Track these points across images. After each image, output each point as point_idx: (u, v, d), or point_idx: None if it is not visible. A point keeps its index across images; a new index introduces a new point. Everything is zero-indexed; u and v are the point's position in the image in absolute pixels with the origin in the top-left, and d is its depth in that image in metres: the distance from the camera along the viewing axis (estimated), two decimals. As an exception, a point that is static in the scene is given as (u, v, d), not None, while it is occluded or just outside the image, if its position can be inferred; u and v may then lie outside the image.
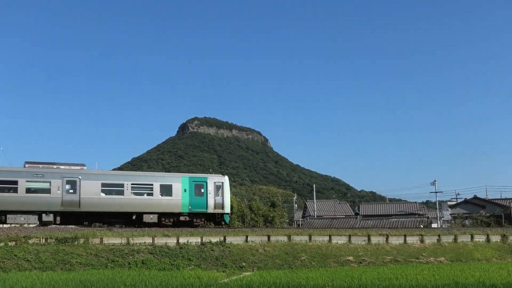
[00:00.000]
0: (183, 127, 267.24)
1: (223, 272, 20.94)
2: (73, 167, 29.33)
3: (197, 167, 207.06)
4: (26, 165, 28.67)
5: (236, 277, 18.42)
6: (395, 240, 28.39)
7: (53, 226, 27.43)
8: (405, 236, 28.83)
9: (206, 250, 23.78)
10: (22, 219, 27.43)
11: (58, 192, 27.90)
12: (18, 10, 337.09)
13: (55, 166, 28.98)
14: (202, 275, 18.53)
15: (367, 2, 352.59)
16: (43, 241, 22.40)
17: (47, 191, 27.79)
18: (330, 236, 27.28)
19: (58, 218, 28.26)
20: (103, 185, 29.04)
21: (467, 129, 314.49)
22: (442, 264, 25.64)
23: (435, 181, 61.51)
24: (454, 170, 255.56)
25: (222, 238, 25.15)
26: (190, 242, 24.36)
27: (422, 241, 28.84)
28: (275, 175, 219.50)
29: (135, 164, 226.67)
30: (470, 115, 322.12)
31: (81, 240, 22.79)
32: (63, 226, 27.47)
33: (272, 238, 26.06)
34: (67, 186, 28.30)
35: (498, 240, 30.51)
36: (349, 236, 27.65)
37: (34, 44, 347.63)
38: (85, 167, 29.86)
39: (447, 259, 26.89)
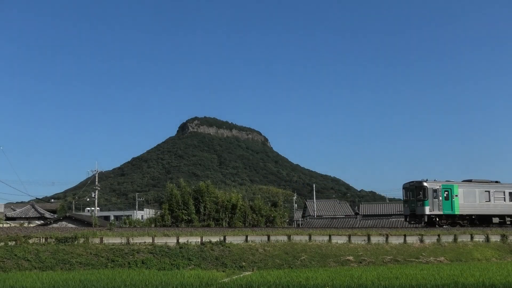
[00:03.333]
0: (183, 127, 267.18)
1: (223, 271, 20.94)
2: None
3: (197, 167, 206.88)
4: None
5: (236, 276, 18.43)
6: (395, 240, 28.40)
7: (53, 225, 27.48)
8: (405, 236, 28.82)
9: (206, 250, 23.78)
10: None
11: None
12: (17, 13, 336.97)
13: None
14: (202, 274, 18.54)
15: (368, 5, 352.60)
16: (43, 240, 22.42)
17: None
18: (330, 236, 27.28)
19: None
20: None
21: (468, 129, 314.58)
22: (442, 264, 25.64)
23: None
24: (455, 170, 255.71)
25: (222, 238, 25.16)
26: (190, 242, 24.36)
27: (422, 241, 28.84)
28: (275, 175, 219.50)
29: (135, 164, 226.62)
30: (470, 114, 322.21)
31: (81, 240, 22.81)
32: (63, 226, 27.53)
33: (272, 238, 26.06)
34: None
35: (498, 240, 30.51)
36: (349, 236, 27.65)
37: (33, 47, 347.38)
38: None
39: (447, 259, 26.89)
